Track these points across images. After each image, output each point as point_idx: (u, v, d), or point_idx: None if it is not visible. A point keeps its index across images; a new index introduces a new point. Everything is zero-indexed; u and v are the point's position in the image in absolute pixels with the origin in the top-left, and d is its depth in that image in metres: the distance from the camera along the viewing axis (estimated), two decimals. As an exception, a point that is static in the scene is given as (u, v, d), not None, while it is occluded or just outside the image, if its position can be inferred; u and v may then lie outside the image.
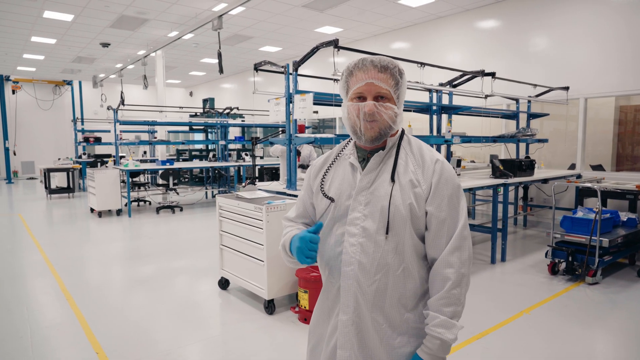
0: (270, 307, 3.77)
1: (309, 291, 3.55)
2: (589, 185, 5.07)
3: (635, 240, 5.07)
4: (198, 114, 13.53)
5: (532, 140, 6.85)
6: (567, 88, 6.90)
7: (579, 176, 6.82)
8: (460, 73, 5.37)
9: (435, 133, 5.72)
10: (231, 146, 12.82)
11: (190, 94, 20.02)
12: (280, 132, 5.41)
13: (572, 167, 7.78)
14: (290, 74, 4.19)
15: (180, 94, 20.37)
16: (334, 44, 3.88)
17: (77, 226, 7.93)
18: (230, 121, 10.92)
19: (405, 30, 9.73)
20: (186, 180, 14.73)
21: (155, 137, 11.26)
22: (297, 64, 4.17)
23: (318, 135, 4.02)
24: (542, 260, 5.32)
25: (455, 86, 5.46)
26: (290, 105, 4.21)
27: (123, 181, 9.04)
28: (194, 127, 13.92)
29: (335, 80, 4.69)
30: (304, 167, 5.30)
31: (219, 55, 7.77)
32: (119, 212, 8.88)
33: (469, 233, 1.31)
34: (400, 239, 1.28)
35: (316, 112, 12.27)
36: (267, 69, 4.87)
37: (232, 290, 4.40)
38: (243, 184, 4.59)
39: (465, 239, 1.28)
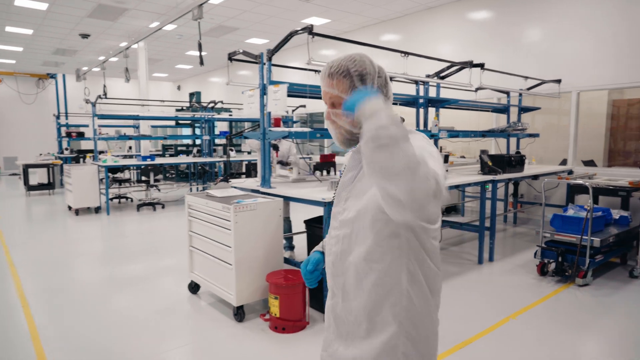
0: (239, 314, 3.51)
1: (280, 297, 3.29)
2: (580, 182, 4.85)
3: (628, 239, 4.87)
4: (184, 108, 13.20)
5: (523, 135, 6.63)
6: (559, 81, 6.67)
7: (570, 172, 6.60)
8: (448, 64, 5.12)
9: (422, 127, 5.47)
10: (219, 141, 12.52)
11: (178, 87, 19.63)
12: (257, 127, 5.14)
13: (564, 162, 7.58)
14: (264, 63, 3.92)
15: (168, 88, 19.98)
16: (309, 30, 3.61)
17: (51, 224, 7.61)
18: (216, 115, 10.60)
19: (394, 22, 9.45)
20: (172, 176, 14.41)
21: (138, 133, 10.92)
22: (271, 53, 3.89)
23: (292, 129, 3.76)
24: (531, 259, 5.11)
25: (443, 78, 5.21)
26: (265, 97, 3.94)
27: (112, 178, 8.71)
28: (181, 122, 13.62)
29: (315, 71, 4.43)
30: (283, 163, 5.03)
31: (199, 46, 7.44)
32: (97, 209, 8.56)
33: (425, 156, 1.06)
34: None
35: (303, 106, 12.01)
36: (242, 58, 4.59)
37: (203, 295, 4.13)
38: (215, 182, 4.32)
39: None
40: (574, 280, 4.31)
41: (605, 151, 8.54)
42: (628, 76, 6.18)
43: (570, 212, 4.69)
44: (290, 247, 5.37)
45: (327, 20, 9.69)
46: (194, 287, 4.16)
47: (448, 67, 5.16)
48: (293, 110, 12.00)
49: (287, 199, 3.78)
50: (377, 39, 9.82)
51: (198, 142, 12.32)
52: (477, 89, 6.46)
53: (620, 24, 6.18)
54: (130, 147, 13.93)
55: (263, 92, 3.94)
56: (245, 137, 4.41)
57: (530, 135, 6.79)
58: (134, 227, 7.36)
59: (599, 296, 4.05)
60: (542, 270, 4.57)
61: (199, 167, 10.23)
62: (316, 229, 3.61)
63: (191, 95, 14.65)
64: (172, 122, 13.31)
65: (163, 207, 9.00)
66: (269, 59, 3.91)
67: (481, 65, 5.12)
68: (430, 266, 1.29)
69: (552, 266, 4.53)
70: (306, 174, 4.97)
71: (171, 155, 13.30)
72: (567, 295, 4.06)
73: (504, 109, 7.04)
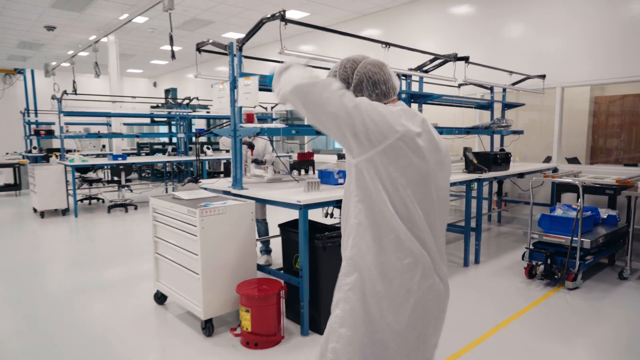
0: (208, 328, 3.19)
1: (252, 310, 2.99)
2: (568, 180, 4.67)
3: (616, 239, 4.72)
4: (160, 105, 12.70)
5: (507, 132, 6.45)
6: (543, 76, 6.51)
7: (555, 170, 6.47)
8: (432, 57, 4.88)
9: (404, 124, 5.22)
10: (202, 139, 12.05)
11: (154, 84, 19.03)
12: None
13: (548, 160, 7.45)
14: (234, 54, 3.60)
15: (144, 84, 19.35)
16: (281, 16, 3.31)
17: (13, 228, 7.12)
18: (191, 112, 10.17)
19: (375, 16, 9.20)
20: (148, 175, 13.89)
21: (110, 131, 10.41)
22: (242, 42, 3.57)
23: (265, 126, 3.45)
24: (518, 261, 4.92)
25: (427, 72, 4.96)
26: (235, 91, 3.62)
27: (81, 177, 8.22)
28: (156, 120, 13.10)
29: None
30: (259, 162, 4.71)
31: (171, 39, 7.05)
32: (64, 211, 8.08)
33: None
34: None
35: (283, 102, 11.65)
36: (211, 49, 4.26)
37: (170, 306, 3.80)
38: (183, 183, 3.98)
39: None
40: (564, 283, 4.13)
41: (587, 148, 8.47)
42: (613, 71, 6.06)
43: (559, 211, 4.51)
44: (267, 250, 5.07)
45: (306, 13, 9.38)
46: (160, 298, 3.82)
47: (431, 61, 4.92)
48: (272, 107, 11.67)
49: (260, 202, 3.47)
50: (358, 33, 9.54)
51: (175, 140, 11.87)
52: (459, 85, 6.28)
53: (606, 19, 6.05)
54: (104, 146, 13.36)
55: (233, 85, 3.62)
56: (215, 135, 4.08)
57: (515, 132, 6.62)
58: (103, 231, 6.93)
59: (589, 300, 3.86)
60: (530, 273, 4.38)
61: (174, 167, 9.81)
62: (291, 234, 3.32)
63: (167, 91, 14.13)
64: (148, 120, 12.86)
65: (136, 208, 8.57)
66: (239, 49, 3.60)
67: (465, 59, 4.90)
68: (387, 217, 1.42)
69: (541, 268, 4.34)
70: (284, 174, 4.67)
71: (147, 154, 12.84)
72: (558, 300, 3.86)
73: (487, 105, 6.86)
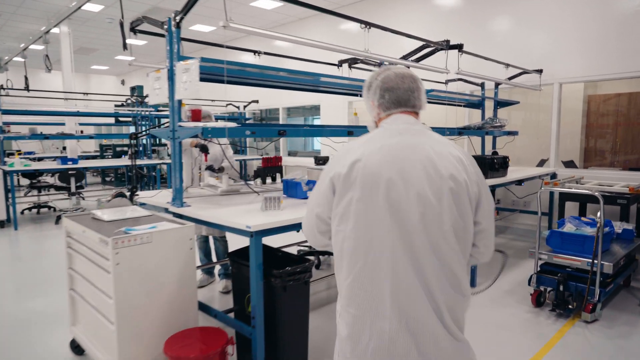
0: (128, 397, 2.37)
1: (184, 376, 2.18)
2: (585, 192, 3.97)
3: (633, 258, 4.07)
4: (124, 103, 11.72)
5: (501, 133, 5.78)
6: (540, 71, 5.87)
7: (554, 175, 5.83)
8: (419, 45, 4.14)
9: (387, 123, 4.48)
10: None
11: (122, 82, 17.91)
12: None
13: (541, 163, 6.83)
14: (172, 32, 2.79)
15: (111, 82, 18.23)
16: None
17: None
18: (154, 111, 9.24)
19: (354, 7, 8.46)
20: (111, 180, 12.87)
21: (63, 132, 9.37)
22: (179, 14, 2.77)
23: (209, 124, 2.65)
24: (520, 282, 4.23)
25: (418, 60, 4.21)
26: (174, 80, 2.81)
27: (30, 185, 7.21)
28: (122, 119, 12.11)
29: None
30: (213, 169, 3.90)
31: (121, 27, 6.14)
32: (3, 223, 7.07)
33: (315, 188, 1.55)
34: None
35: (256, 101, 10.85)
36: (146, 29, 3.45)
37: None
38: (108, 198, 3.14)
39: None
40: (580, 314, 3.44)
41: (581, 150, 7.91)
42: (611, 67, 5.45)
43: (569, 226, 3.82)
44: (226, 274, 4.26)
45: (280, 3, 8.58)
46: (77, 347, 2.97)
47: (420, 49, 4.18)
48: (245, 107, 10.83)
49: (200, 223, 2.67)
50: (336, 27, 8.81)
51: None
52: (447, 81, 5.56)
53: (605, 10, 5.45)
54: (64, 148, 12.30)
55: (172, 72, 2.81)
56: (154, 137, 3.25)
57: (509, 133, 5.96)
58: (42, 247, 5.99)
59: (614, 337, 3.17)
60: (538, 301, 3.68)
61: (133, 171, 8.88)
62: (243, 267, 2.52)
63: (132, 89, 13.11)
64: (114, 120, 11.86)
65: (87, 218, 7.60)
66: (177, 26, 2.80)
67: (459, 47, 4.18)
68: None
69: (551, 296, 3.65)
70: (249, 183, 3.88)
71: (111, 157, 11.92)
72: (576, 338, 3.16)
73: (478, 103, 6.19)
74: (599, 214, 3.34)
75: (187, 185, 4.27)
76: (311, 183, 3.21)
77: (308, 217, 1.56)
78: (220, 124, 2.74)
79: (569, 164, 6.75)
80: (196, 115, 3.16)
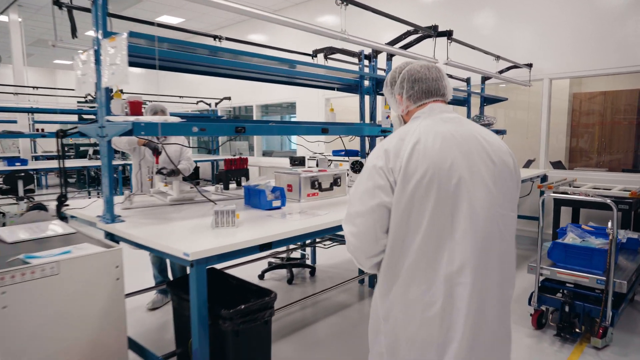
0: None
1: None
2: (597, 199, 3.52)
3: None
4: (87, 99, 10.92)
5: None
6: (530, 65, 5.47)
7: (544, 178, 5.44)
8: (406, 30, 3.65)
9: (368, 120, 3.97)
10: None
11: (89, 78, 16.93)
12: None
13: (528, 164, 6.46)
14: (97, 3, 2.21)
15: (78, 78, 17.21)
16: None
17: None
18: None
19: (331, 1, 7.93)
20: (74, 182, 12.04)
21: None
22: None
23: (141, 119, 2.09)
24: (515, 298, 3.79)
25: (406, 48, 3.71)
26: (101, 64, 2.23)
27: None
28: (85, 117, 11.30)
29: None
30: (164, 173, 3.31)
31: (69, 12, 5.48)
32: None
33: (355, 193, 1.39)
34: None
35: (228, 97, 10.21)
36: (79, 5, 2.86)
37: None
38: (21, 212, 2.53)
39: (350, 194, 1.42)
40: (588, 338, 3.00)
41: (567, 150, 7.61)
42: (604, 62, 5.11)
43: (572, 237, 3.39)
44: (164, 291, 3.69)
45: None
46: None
47: (404, 35, 3.68)
48: (216, 104, 10.19)
49: (133, 245, 2.10)
50: (313, 18, 8.26)
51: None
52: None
53: (594, 4, 5.09)
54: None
55: (98, 52, 2.23)
56: (83, 135, 2.64)
57: (497, 132, 5.54)
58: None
59: (630, 368, 2.75)
60: (540, 322, 3.23)
61: (92, 172, 8.19)
62: (184, 302, 1.96)
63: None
64: (76, 117, 11.03)
65: (37, 226, 6.86)
66: (104, -6, 2.22)
67: (448, 34, 3.71)
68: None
69: (554, 316, 3.21)
70: (205, 190, 3.31)
71: (74, 157, 11.15)
72: (587, 370, 2.72)
73: (464, 100, 5.75)
74: (609, 223, 2.91)
75: (136, 191, 3.67)
76: (277, 190, 2.68)
77: (363, 215, 1.34)
78: (158, 118, 2.18)
79: (557, 165, 6.41)
80: (135, 108, 2.58)
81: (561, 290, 3.27)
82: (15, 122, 9.71)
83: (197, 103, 10.33)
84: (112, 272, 1.95)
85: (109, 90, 2.27)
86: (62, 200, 2.86)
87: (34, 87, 7.92)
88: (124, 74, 2.03)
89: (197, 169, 8.60)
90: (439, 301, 1.27)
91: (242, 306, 1.81)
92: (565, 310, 3.05)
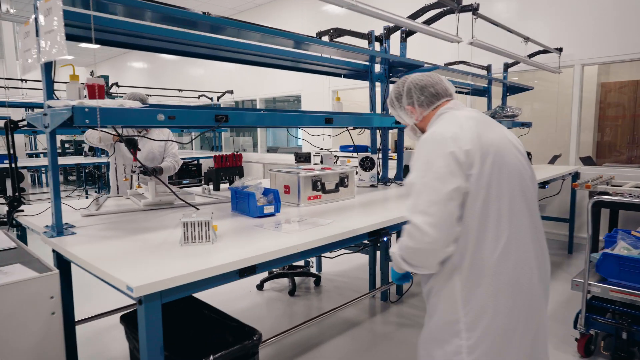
0: None
1: None
2: None
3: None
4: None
5: (514, 124, 4.80)
6: (560, 49, 4.91)
7: (576, 175, 4.88)
8: (424, 4, 3.11)
9: (379, 110, 3.45)
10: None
11: (92, 73, 16.60)
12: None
13: (554, 159, 5.89)
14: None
15: (80, 73, 16.85)
16: None
17: None
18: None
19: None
20: (74, 181, 11.68)
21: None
22: None
23: (87, 103, 1.60)
24: (555, 317, 3.26)
25: (428, 23, 3.18)
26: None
27: None
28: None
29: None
30: (145, 171, 2.83)
31: None
32: None
33: (422, 181, 1.34)
34: None
35: (230, 91, 9.73)
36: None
37: None
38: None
39: (411, 185, 1.37)
40: (650, 372, 2.48)
41: (594, 144, 7.02)
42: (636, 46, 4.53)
43: (623, 246, 2.85)
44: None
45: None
46: None
47: (422, 11, 3.15)
48: (218, 98, 9.72)
49: (80, 265, 1.62)
50: (317, 8, 7.75)
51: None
52: (446, 65, 4.56)
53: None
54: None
55: (37, 21, 1.75)
56: (33, 126, 2.17)
57: (523, 125, 4.99)
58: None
59: None
60: (587, 349, 2.71)
61: (86, 170, 7.78)
62: (132, 339, 1.48)
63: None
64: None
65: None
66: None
67: (474, 9, 3.17)
68: None
69: (607, 342, 2.68)
70: (188, 191, 2.83)
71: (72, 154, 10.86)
72: (656, 416, 2.19)
73: (484, 90, 5.21)
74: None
75: (113, 192, 3.21)
76: (271, 193, 2.18)
77: (438, 203, 1.29)
78: (111, 102, 1.69)
79: (587, 161, 5.82)
80: (95, 92, 2.10)
81: (610, 311, 2.74)
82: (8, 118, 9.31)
83: (198, 97, 9.88)
84: (45, 305, 1.47)
85: (49, 67, 1.78)
86: (14, 204, 2.41)
87: (23, 81, 7.50)
88: (61, 44, 1.55)
89: (199, 166, 8.12)
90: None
91: (212, 357, 1.32)
92: (621, 337, 2.52)
